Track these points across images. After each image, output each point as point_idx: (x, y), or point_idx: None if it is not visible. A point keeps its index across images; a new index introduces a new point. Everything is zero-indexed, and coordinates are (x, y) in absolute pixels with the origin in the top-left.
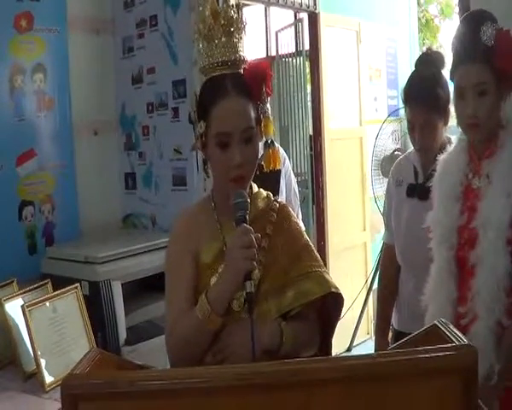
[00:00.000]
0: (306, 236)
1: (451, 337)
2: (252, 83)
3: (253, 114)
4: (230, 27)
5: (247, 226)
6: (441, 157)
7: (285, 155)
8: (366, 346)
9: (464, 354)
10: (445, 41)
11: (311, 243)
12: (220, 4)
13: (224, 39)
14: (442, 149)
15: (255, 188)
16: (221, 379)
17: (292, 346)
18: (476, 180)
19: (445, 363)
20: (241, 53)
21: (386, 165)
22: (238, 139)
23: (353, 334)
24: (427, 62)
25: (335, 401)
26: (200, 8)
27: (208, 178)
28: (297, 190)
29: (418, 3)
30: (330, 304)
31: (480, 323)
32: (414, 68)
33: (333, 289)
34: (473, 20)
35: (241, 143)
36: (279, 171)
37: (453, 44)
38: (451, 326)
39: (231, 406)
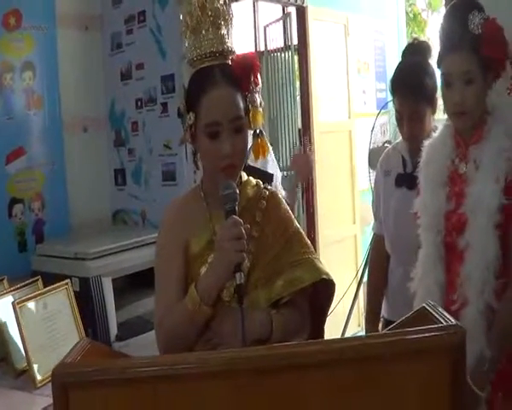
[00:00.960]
0: (296, 223)
1: (440, 319)
2: (240, 73)
3: (241, 104)
4: (217, 19)
5: (237, 218)
6: (426, 143)
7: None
8: None
9: (452, 333)
10: (433, 35)
11: (301, 230)
12: None
13: (211, 31)
14: (430, 137)
15: (244, 176)
16: (211, 364)
17: (282, 334)
18: (463, 166)
19: (433, 343)
20: (228, 44)
21: (373, 157)
22: (227, 129)
23: (344, 326)
24: (414, 52)
25: (326, 384)
26: (188, 1)
27: (198, 170)
28: (279, 185)
29: None
30: (322, 290)
31: (470, 307)
32: (401, 58)
33: (323, 276)
34: (460, 9)
35: (231, 133)
36: (271, 175)
37: (440, 33)
38: (440, 308)
39: (222, 390)
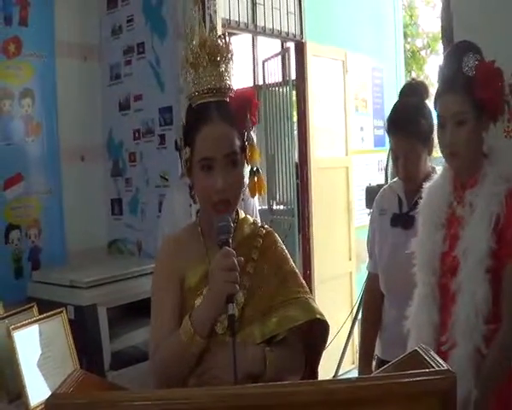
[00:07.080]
0: (292, 262)
1: (431, 363)
2: (237, 111)
3: (237, 141)
4: (216, 56)
5: (229, 249)
6: (427, 185)
7: None
8: (351, 375)
9: (443, 378)
10: (432, 73)
11: (296, 270)
12: (207, 33)
13: (210, 67)
14: (426, 178)
15: (242, 214)
16: (202, 401)
17: (275, 372)
18: (460, 209)
19: (423, 387)
20: (227, 81)
21: (370, 196)
22: (221, 164)
23: (338, 363)
24: (411, 92)
25: None
26: (189, 37)
27: (195, 203)
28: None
29: (405, 36)
30: (316, 331)
31: (458, 350)
32: (398, 99)
33: (318, 316)
34: (457, 51)
35: (225, 168)
36: None
37: (438, 74)
38: (432, 352)
39: None
